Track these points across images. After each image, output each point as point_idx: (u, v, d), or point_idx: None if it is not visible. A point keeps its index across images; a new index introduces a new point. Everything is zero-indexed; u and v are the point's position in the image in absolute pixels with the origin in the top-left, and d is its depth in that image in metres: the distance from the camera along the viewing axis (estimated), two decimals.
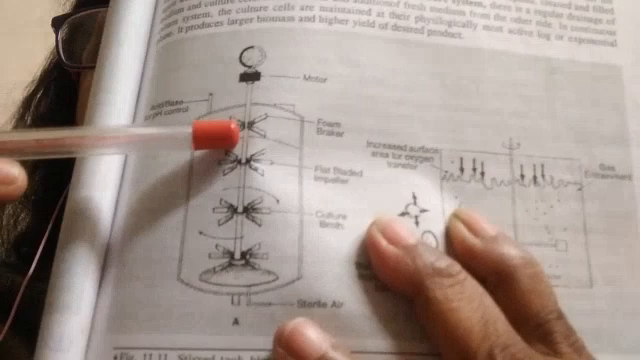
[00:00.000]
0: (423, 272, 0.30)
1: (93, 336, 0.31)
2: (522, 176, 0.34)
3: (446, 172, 0.33)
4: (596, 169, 0.35)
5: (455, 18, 0.35)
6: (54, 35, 0.53)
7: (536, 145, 0.34)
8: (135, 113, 0.35)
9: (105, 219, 0.33)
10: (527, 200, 0.34)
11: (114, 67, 0.35)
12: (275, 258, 0.30)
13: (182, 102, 0.33)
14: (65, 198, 0.34)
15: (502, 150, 0.34)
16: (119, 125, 0.34)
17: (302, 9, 0.34)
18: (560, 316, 0.30)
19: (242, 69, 0.33)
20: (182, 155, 0.32)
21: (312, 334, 0.29)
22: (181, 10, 0.35)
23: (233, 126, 0.31)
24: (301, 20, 0.34)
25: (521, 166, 0.34)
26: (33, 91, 0.60)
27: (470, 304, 0.29)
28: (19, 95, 0.61)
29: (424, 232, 0.32)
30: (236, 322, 0.30)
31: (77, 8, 0.55)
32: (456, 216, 0.32)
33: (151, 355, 0.30)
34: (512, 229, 0.33)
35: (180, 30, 0.35)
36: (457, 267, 0.30)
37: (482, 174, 0.33)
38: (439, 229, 0.32)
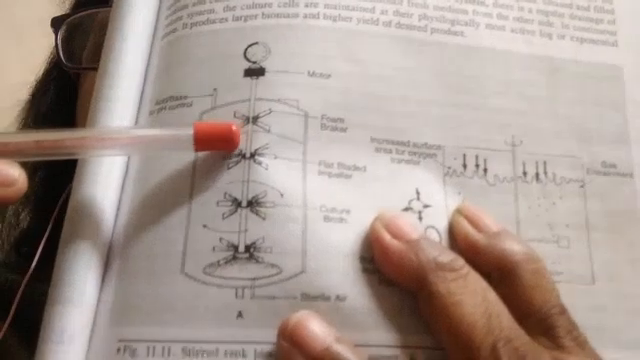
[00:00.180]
0: (426, 266, 0.30)
1: (96, 329, 0.31)
2: (525, 173, 0.34)
3: (449, 168, 0.33)
4: (598, 167, 0.35)
5: (458, 17, 0.35)
6: (54, 34, 0.53)
7: (538, 142, 0.34)
8: (139, 108, 0.35)
9: (108, 214, 0.33)
10: (529, 197, 0.34)
11: (118, 63, 0.35)
12: (279, 252, 0.30)
13: (187, 97, 0.33)
14: (66, 198, 0.34)
15: (505, 147, 0.34)
16: (121, 126, 0.34)
17: (306, 6, 0.34)
18: (563, 311, 0.30)
19: (246, 64, 0.33)
20: (186, 152, 0.32)
21: (316, 327, 0.29)
22: (186, 6, 0.36)
23: (234, 128, 0.31)
24: (305, 17, 0.34)
25: (523, 163, 0.34)
26: (34, 91, 0.60)
27: (473, 298, 0.29)
28: (22, 96, 0.61)
29: (427, 227, 0.32)
30: (240, 315, 0.30)
31: (76, 8, 0.55)
32: (459, 212, 0.32)
33: (154, 348, 0.30)
34: (515, 225, 0.33)
35: (185, 26, 0.35)
36: (460, 261, 0.30)
37: (485, 170, 0.34)
38: (442, 224, 0.32)
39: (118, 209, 0.33)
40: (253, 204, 0.31)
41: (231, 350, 0.29)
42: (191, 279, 0.30)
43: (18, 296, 0.41)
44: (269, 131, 0.32)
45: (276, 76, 0.33)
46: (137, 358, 0.30)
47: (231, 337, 0.30)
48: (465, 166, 0.33)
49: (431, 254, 0.30)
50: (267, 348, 0.29)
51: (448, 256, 0.30)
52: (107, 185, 0.33)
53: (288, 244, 0.30)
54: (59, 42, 0.51)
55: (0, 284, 0.47)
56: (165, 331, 0.30)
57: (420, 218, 0.32)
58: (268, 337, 0.29)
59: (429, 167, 0.33)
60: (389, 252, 0.30)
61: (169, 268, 0.31)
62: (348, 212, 0.31)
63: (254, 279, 0.30)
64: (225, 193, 0.31)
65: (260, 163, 0.32)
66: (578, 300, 0.32)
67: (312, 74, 0.33)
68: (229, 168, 0.32)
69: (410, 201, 0.32)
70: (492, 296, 0.29)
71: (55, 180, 0.44)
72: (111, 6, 0.37)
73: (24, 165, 0.31)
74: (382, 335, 0.30)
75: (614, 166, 0.35)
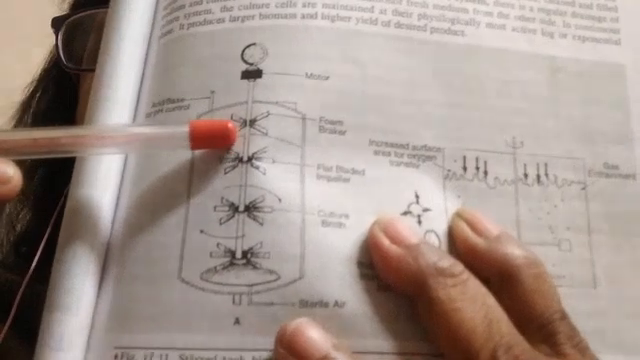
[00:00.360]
0: (426, 272, 0.29)
1: (93, 335, 0.31)
2: (525, 175, 0.34)
3: (449, 171, 0.33)
4: (600, 168, 0.34)
5: (458, 16, 0.35)
6: (54, 35, 0.52)
7: (539, 144, 0.34)
8: (136, 110, 0.35)
9: (105, 218, 0.32)
10: (530, 199, 0.33)
11: (116, 64, 0.35)
12: (277, 257, 0.30)
13: (183, 100, 0.33)
14: (65, 198, 0.33)
15: (505, 149, 0.34)
16: (118, 124, 0.34)
17: (304, 6, 0.34)
18: (564, 316, 0.30)
19: (244, 66, 0.33)
20: (183, 154, 0.32)
21: (314, 334, 0.28)
22: (183, 7, 0.35)
23: (230, 125, 0.31)
24: (303, 17, 0.34)
25: (524, 165, 0.34)
26: (33, 90, 0.60)
27: (473, 304, 0.29)
28: (19, 97, 0.61)
29: (427, 231, 0.32)
30: (237, 322, 0.30)
31: (76, 9, 0.55)
32: (459, 215, 0.32)
33: (152, 355, 0.30)
34: (515, 228, 0.33)
35: (181, 27, 0.35)
36: (460, 267, 0.30)
37: (485, 173, 0.33)
38: (442, 228, 0.32)
39: (115, 213, 0.33)
40: (251, 209, 0.31)
41: (228, 357, 0.29)
42: (188, 285, 0.30)
43: (18, 297, 0.41)
44: (267, 134, 0.32)
45: (274, 78, 0.33)
46: None
47: (228, 344, 0.29)
48: (465, 169, 0.33)
49: (430, 259, 0.30)
50: (265, 355, 0.29)
51: (448, 261, 0.30)
52: (104, 190, 0.33)
53: (286, 250, 0.30)
54: (59, 43, 0.51)
55: (1, 284, 0.47)
56: (162, 338, 0.30)
57: (419, 222, 0.32)
58: (266, 344, 0.29)
59: (428, 170, 0.33)
60: (388, 257, 0.30)
61: (166, 274, 0.30)
62: (347, 216, 0.31)
63: (251, 285, 0.30)
64: (222, 198, 0.31)
65: (258, 167, 0.31)
66: (579, 304, 0.32)
67: (310, 76, 0.33)
68: (226, 172, 0.31)
69: (409, 205, 0.32)
70: (492, 302, 0.29)
71: (54, 180, 0.43)
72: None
73: (22, 164, 0.31)
74: (381, 342, 0.30)
75: (616, 167, 0.34)
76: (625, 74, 0.36)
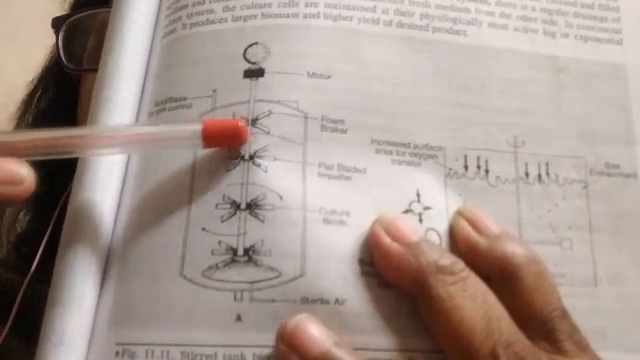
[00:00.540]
0: (426, 269, 0.29)
1: (95, 332, 0.31)
2: (527, 174, 0.34)
3: (450, 169, 0.33)
4: (601, 167, 0.34)
5: (460, 15, 0.35)
6: (54, 34, 0.52)
7: (541, 143, 0.34)
8: (139, 109, 0.35)
9: (108, 216, 0.33)
10: (532, 198, 0.33)
11: (118, 64, 0.35)
12: (278, 255, 0.30)
13: (186, 98, 0.33)
14: (66, 198, 0.33)
15: (507, 148, 0.34)
16: (129, 124, 0.34)
17: (307, 6, 0.34)
18: (564, 314, 0.30)
19: (246, 65, 0.33)
20: (185, 152, 0.32)
21: (315, 331, 0.28)
22: (185, 7, 0.35)
23: (240, 124, 0.31)
24: (305, 17, 0.34)
25: (526, 164, 0.34)
26: (33, 89, 0.60)
27: (473, 302, 0.29)
28: (18, 94, 0.61)
29: (428, 230, 0.32)
30: (239, 318, 0.30)
31: (76, 8, 0.55)
32: (460, 214, 0.32)
33: (153, 351, 0.30)
34: (516, 227, 0.33)
35: (184, 27, 0.35)
36: (460, 265, 0.30)
37: (486, 172, 0.33)
38: (443, 227, 0.32)
39: (117, 212, 0.33)
40: (252, 207, 0.31)
41: (230, 354, 0.29)
42: (190, 282, 0.30)
43: (19, 297, 0.41)
44: (269, 133, 0.32)
45: (276, 77, 0.33)
46: None
47: (230, 341, 0.29)
48: (466, 167, 0.33)
49: (431, 257, 0.30)
50: (266, 352, 0.29)
51: (448, 259, 0.30)
52: (106, 188, 0.33)
53: (287, 247, 0.30)
54: (60, 43, 0.51)
55: (0, 284, 0.47)
56: (164, 334, 0.30)
57: (420, 220, 0.32)
58: (267, 341, 0.29)
59: (430, 169, 0.33)
60: (389, 255, 0.30)
61: (168, 271, 0.30)
62: (348, 214, 0.31)
63: (253, 282, 0.30)
64: (224, 196, 0.31)
65: (259, 165, 0.31)
66: (581, 302, 0.32)
67: (312, 75, 0.33)
68: (228, 170, 0.32)
69: (410, 203, 0.32)
70: (492, 299, 0.29)
71: (55, 179, 0.44)
72: (111, 6, 0.37)
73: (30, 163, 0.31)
74: (381, 338, 0.30)
75: (617, 167, 0.34)
76: (627, 74, 0.36)
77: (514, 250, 0.31)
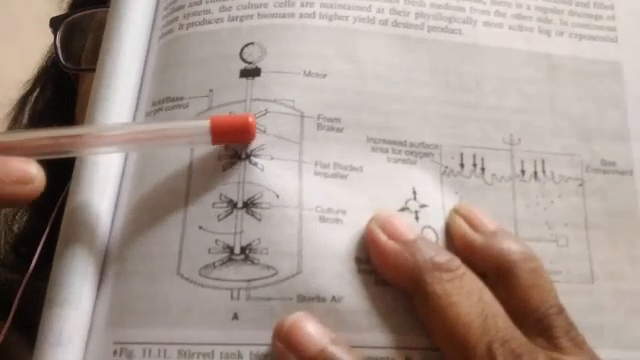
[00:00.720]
0: (423, 267, 0.29)
1: (93, 331, 0.31)
2: (523, 172, 0.34)
3: (446, 167, 0.33)
4: (597, 165, 0.34)
5: (455, 14, 0.35)
6: (52, 34, 0.52)
7: (537, 141, 0.34)
8: (136, 109, 0.35)
9: (105, 216, 0.33)
10: (528, 195, 0.33)
11: (116, 64, 0.35)
12: (274, 253, 0.30)
13: (183, 98, 0.33)
14: (64, 197, 0.34)
15: (502, 146, 0.34)
16: (133, 122, 0.34)
17: (302, 5, 0.34)
18: (560, 311, 0.30)
19: (242, 65, 0.33)
20: (182, 151, 0.32)
21: (311, 329, 0.29)
22: (182, 7, 0.35)
23: (251, 119, 0.31)
24: (301, 16, 0.34)
25: (522, 162, 0.34)
26: (30, 89, 0.60)
27: (469, 299, 0.29)
28: (16, 94, 0.61)
29: (424, 227, 0.32)
30: (235, 317, 0.30)
31: (74, 8, 0.55)
32: (456, 211, 0.32)
33: (150, 350, 0.30)
34: (513, 225, 0.33)
35: (181, 27, 0.35)
36: (457, 262, 0.30)
37: (482, 170, 0.33)
38: (439, 224, 0.32)
39: (115, 211, 0.33)
40: (249, 205, 0.31)
41: (227, 352, 0.29)
42: (187, 281, 0.30)
43: (18, 296, 0.41)
44: (265, 132, 0.32)
45: (272, 76, 0.33)
46: None
47: (227, 339, 0.29)
48: (462, 165, 0.33)
49: (427, 254, 0.30)
50: (263, 350, 0.29)
51: (444, 256, 0.30)
52: (104, 187, 0.33)
53: (284, 245, 0.30)
54: (58, 42, 0.51)
55: (1, 284, 0.47)
56: (161, 333, 0.30)
57: (417, 218, 0.32)
58: (264, 339, 0.29)
59: (426, 167, 0.33)
60: (385, 253, 0.30)
61: (165, 270, 0.31)
62: (344, 213, 0.31)
63: (249, 280, 0.30)
64: (221, 194, 0.31)
65: (256, 164, 0.32)
66: (577, 299, 0.32)
67: (308, 74, 0.33)
68: (225, 169, 0.32)
69: (407, 201, 0.32)
70: (488, 296, 0.29)
71: (53, 179, 0.44)
72: (109, 6, 0.37)
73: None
74: (378, 336, 0.30)
75: (613, 164, 0.35)
76: (622, 72, 0.36)
77: (510, 247, 0.31)
